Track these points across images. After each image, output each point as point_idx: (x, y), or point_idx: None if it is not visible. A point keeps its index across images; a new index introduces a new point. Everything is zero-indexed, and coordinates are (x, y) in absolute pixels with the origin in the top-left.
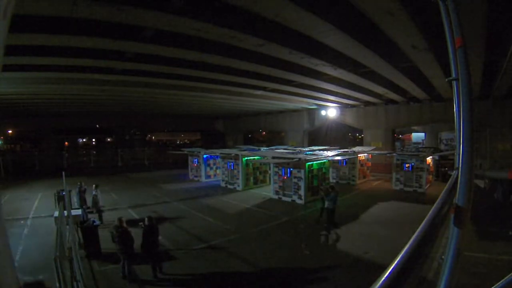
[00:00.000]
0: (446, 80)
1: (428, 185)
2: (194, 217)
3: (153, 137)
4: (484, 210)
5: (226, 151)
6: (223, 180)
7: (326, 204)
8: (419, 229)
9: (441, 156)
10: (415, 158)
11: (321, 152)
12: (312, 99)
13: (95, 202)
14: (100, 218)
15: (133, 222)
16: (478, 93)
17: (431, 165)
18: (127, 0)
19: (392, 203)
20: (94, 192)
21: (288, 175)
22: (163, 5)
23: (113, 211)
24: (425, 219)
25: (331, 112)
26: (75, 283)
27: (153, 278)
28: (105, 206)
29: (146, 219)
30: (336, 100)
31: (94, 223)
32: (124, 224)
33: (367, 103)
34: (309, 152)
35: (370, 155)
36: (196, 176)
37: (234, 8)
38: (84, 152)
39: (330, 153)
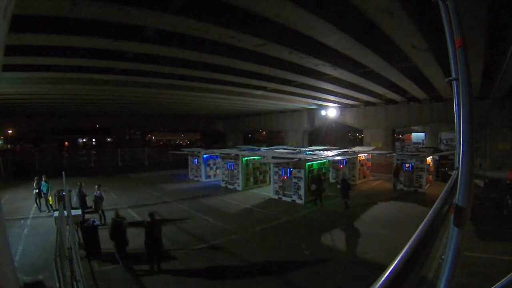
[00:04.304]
0: (446, 80)
1: (428, 185)
2: (195, 217)
3: (153, 137)
4: (484, 210)
5: (226, 151)
6: (223, 180)
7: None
8: (419, 229)
9: (441, 156)
10: (415, 158)
11: (321, 152)
12: (312, 99)
13: (96, 202)
14: (102, 218)
15: (134, 223)
16: (478, 93)
17: (431, 165)
18: (127, 0)
19: (392, 203)
20: (96, 193)
21: (288, 175)
22: (163, 5)
23: (113, 211)
24: (425, 219)
25: (331, 112)
26: (75, 283)
27: (150, 274)
28: (105, 206)
29: (148, 216)
30: (336, 100)
31: (94, 223)
32: (117, 218)
33: (367, 103)
34: (309, 152)
35: (370, 155)
36: (196, 176)
37: (234, 8)
38: (84, 152)
39: (330, 153)
